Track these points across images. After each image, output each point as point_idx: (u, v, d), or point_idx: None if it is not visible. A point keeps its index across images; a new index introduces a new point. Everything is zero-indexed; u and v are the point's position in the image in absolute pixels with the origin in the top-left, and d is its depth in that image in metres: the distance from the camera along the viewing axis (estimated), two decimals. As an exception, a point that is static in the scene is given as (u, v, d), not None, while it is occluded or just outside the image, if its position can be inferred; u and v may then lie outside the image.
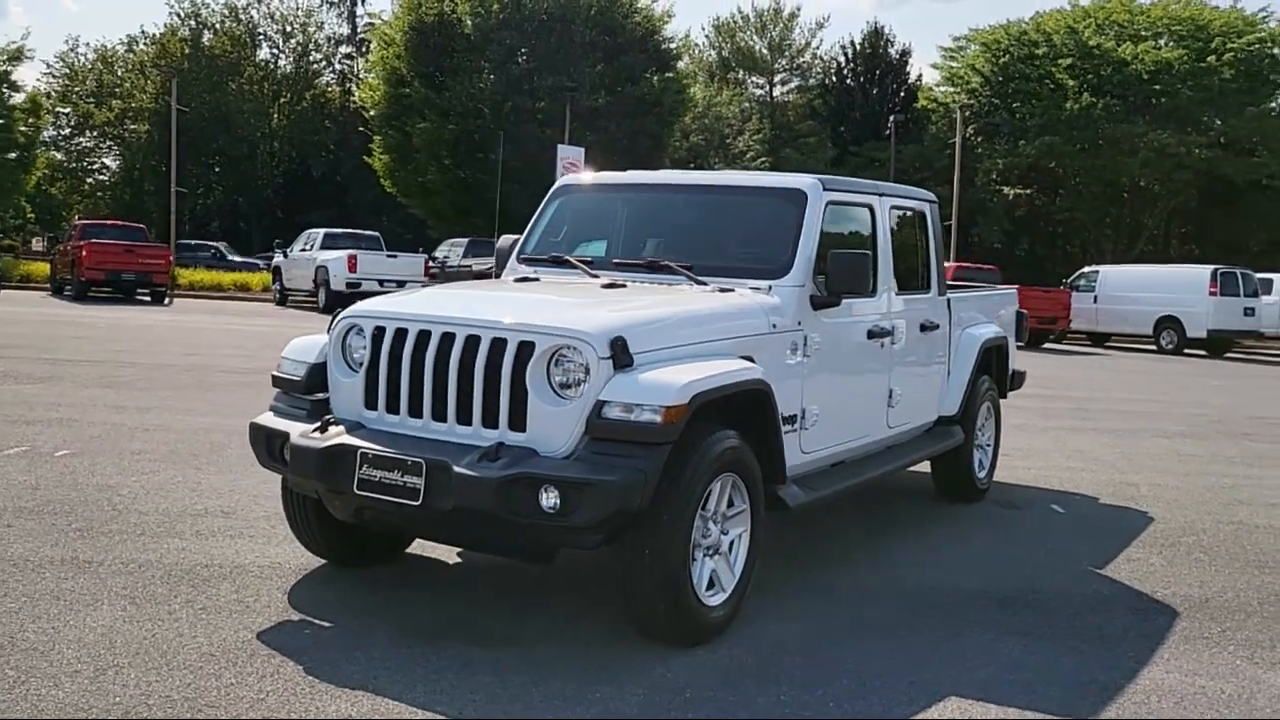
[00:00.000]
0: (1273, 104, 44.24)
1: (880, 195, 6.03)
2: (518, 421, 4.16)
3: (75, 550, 5.19)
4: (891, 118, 45.76)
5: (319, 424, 4.42)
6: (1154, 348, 26.17)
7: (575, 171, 32.03)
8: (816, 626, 4.66)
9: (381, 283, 25.44)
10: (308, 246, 27.75)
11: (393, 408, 4.44)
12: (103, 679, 3.73)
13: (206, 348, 15.45)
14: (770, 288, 5.11)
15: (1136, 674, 4.30)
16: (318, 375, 4.71)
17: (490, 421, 4.21)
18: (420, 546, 5.43)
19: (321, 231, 28.13)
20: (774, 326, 4.97)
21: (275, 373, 4.89)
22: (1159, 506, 7.47)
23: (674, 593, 4.13)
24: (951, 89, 49.02)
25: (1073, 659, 4.44)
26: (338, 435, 4.33)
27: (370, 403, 4.50)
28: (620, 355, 4.10)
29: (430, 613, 4.58)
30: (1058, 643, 4.63)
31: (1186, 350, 25.98)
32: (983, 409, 7.27)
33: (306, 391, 4.70)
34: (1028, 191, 45.98)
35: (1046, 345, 26.24)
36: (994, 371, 7.52)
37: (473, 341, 4.26)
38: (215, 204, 56.44)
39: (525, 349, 4.17)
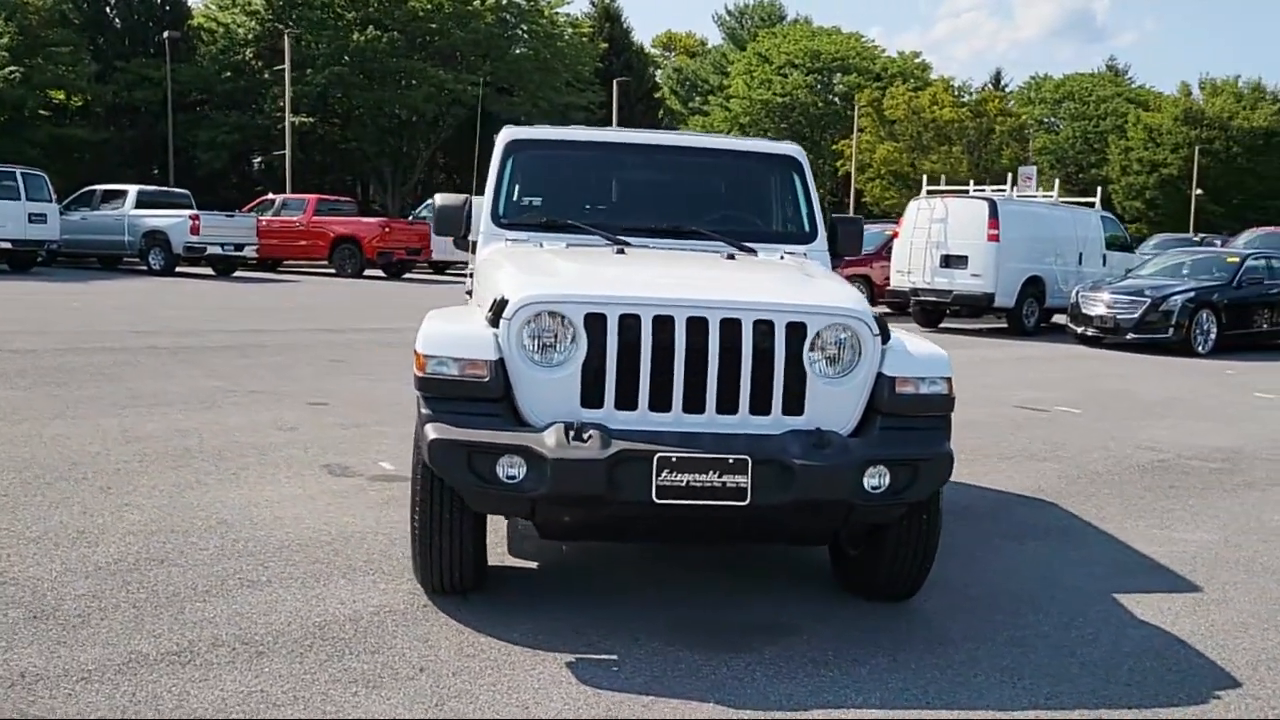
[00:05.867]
0: (524, 50, 49.55)
1: None
2: (792, 405, 4.03)
3: (119, 645, 3.70)
4: (166, 33, 42.57)
5: (571, 430, 3.78)
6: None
7: None
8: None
9: None
10: None
11: (626, 403, 3.95)
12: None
13: None
14: (806, 253, 5.33)
15: (1160, 546, 5.54)
16: (504, 374, 3.95)
17: (761, 408, 4.01)
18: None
19: None
20: (837, 290, 5.24)
21: (425, 374, 3.94)
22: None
23: (934, 553, 4.39)
24: (230, 9, 46.93)
25: (1101, 548, 5.53)
26: (613, 442, 3.77)
27: (591, 399, 3.94)
28: (884, 331, 4.18)
29: (662, 614, 4.23)
30: (1061, 539, 5.67)
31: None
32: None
33: (500, 394, 3.92)
34: (313, 120, 46.00)
35: (408, 276, 27.38)
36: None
37: (730, 325, 3.98)
38: None
39: (795, 330, 4.03)
